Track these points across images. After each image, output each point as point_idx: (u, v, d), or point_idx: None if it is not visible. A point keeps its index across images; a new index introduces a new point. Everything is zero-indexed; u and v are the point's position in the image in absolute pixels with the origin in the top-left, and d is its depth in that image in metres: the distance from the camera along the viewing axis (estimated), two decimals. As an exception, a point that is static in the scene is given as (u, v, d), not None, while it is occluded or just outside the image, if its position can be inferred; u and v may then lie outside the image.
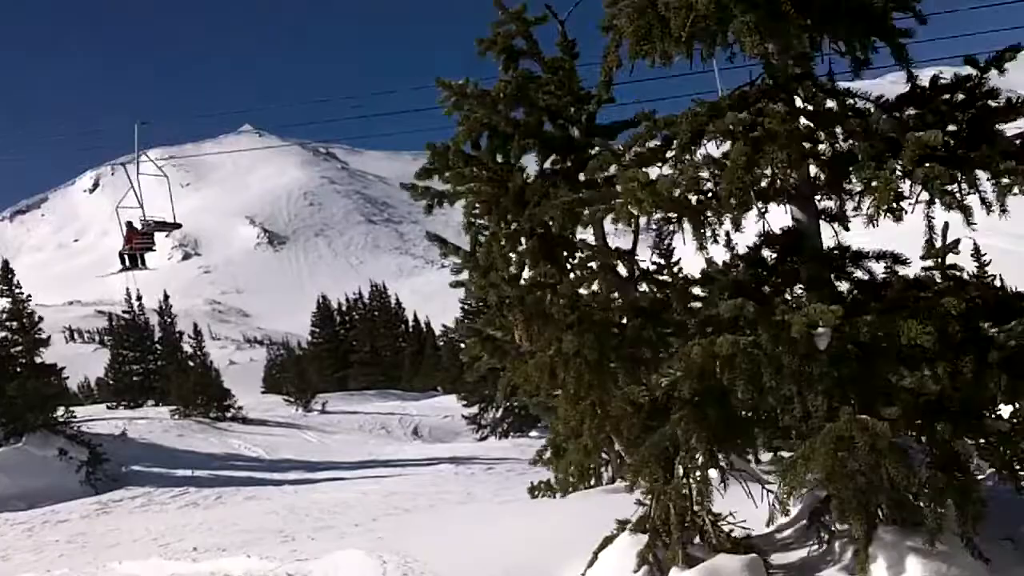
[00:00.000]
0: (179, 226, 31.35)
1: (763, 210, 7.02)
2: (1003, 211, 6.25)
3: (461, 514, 14.61)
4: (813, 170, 7.10)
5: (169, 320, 60.68)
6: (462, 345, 9.28)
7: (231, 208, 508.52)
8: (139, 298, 60.41)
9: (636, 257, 7.60)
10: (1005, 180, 5.99)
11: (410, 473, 24.92)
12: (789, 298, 6.89)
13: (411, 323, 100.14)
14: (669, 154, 6.70)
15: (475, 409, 41.69)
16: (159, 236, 31.32)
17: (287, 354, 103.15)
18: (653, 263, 7.63)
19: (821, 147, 7.01)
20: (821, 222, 7.22)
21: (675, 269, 9.85)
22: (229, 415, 41.69)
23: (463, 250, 7.66)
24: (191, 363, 48.86)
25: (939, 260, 8.82)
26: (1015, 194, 6.14)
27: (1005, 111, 6.56)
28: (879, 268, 7.25)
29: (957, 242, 8.68)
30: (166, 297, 63.06)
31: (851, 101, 6.91)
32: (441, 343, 78.63)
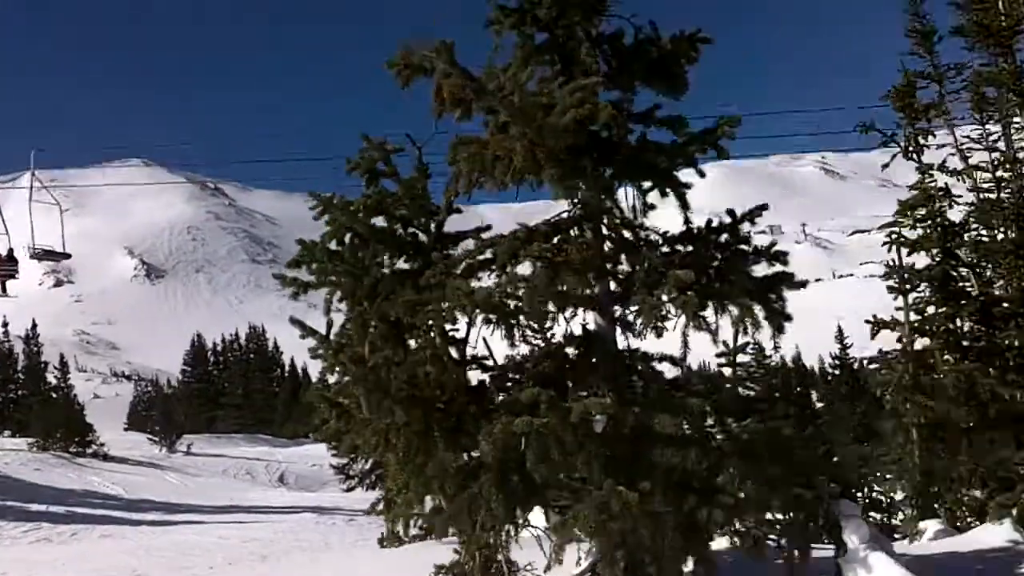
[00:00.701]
0: (68, 256, 31.43)
1: (571, 315, 8.72)
2: (745, 333, 8.09)
3: (312, 560, 15.85)
4: (613, 285, 8.85)
5: (35, 348, 59.65)
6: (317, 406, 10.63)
7: (110, 237, 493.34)
8: (4, 324, 59.24)
9: (468, 345, 9.19)
10: (736, 311, 7.81)
11: (272, 520, 25.46)
12: (584, 391, 8.56)
13: (287, 367, 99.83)
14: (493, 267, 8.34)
15: (344, 459, 42.34)
16: (30, 261, 30.99)
17: (155, 391, 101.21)
18: (482, 354, 9.19)
19: (621, 267, 8.79)
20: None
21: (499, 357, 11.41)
22: (90, 451, 41.36)
23: (319, 333, 9.13)
24: (54, 395, 48.29)
25: (731, 359, 10.70)
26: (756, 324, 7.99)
27: (755, 253, 8.45)
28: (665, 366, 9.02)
29: (746, 345, 10.57)
30: (34, 325, 61.97)
31: (644, 233, 8.72)
32: (315, 388, 78.00)
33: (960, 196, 20.28)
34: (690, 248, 8.59)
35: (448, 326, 8.60)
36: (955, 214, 20.14)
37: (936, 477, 14.87)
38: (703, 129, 8.49)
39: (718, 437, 8.31)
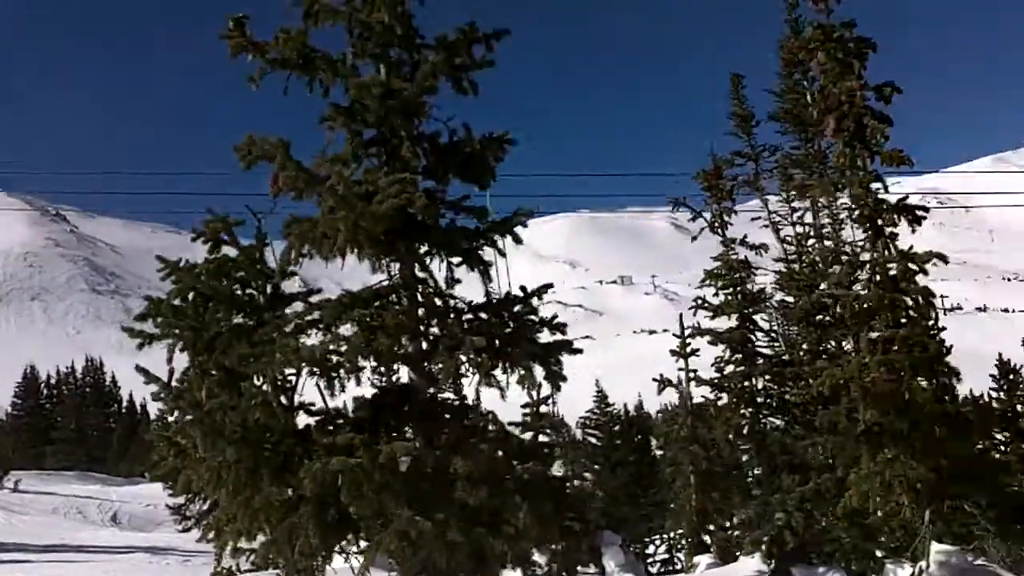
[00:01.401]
0: None
1: (392, 370, 10.16)
2: (532, 389, 9.72)
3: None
4: (424, 344, 10.32)
5: None
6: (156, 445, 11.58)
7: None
8: None
9: (296, 393, 10.48)
10: (520, 372, 9.44)
11: (103, 560, 25.34)
12: (395, 435, 9.97)
13: (126, 403, 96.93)
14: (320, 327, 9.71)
15: (180, 499, 42.11)
16: None
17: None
18: (308, 401, 10.50)
19: (432, 329, 10.29)
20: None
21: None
22: (-94, 487, 39.92)
23: (161, 380, 10.23)
24: None
25: (535, 408, 12.37)
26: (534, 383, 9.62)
27: (541, 323, 10.11)
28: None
29: (548, 397, 12.23)
30: None
31: (453, 301, 10.26)
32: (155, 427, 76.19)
33: (759, 268, 22.76)
34: (488, 316, 10.16)
35: (279, 376, 9.86)
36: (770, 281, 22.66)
37: (709, 516, 16.89)
38: (503, 218, 10.15)
39: (506, 477, 9.85)
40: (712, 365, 21.18)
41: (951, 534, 13.49)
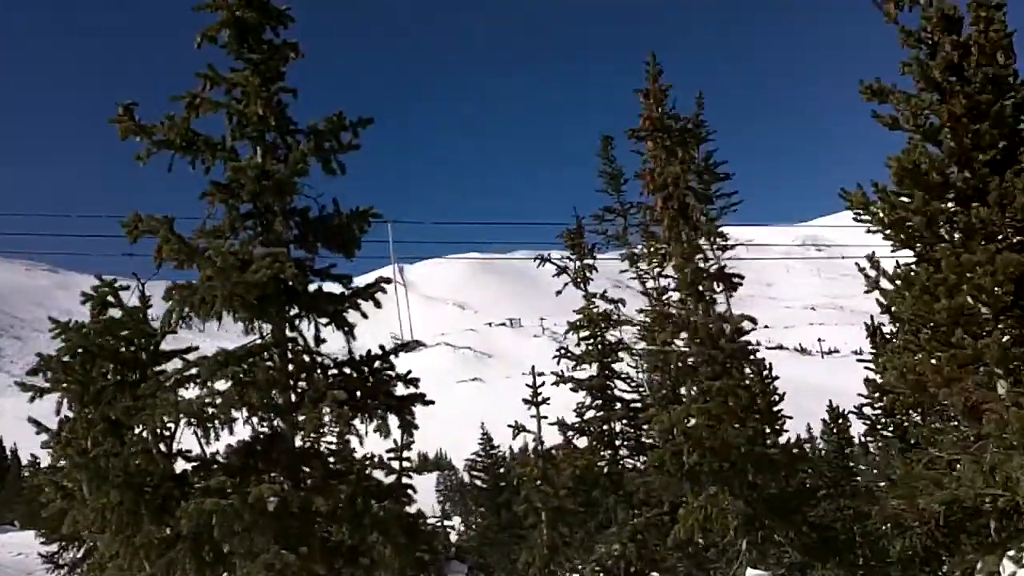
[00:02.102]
0: None
1: (262, 420, 11.34)
2: (384, 437, 11.07)
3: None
4: (293, 397, 11.55)
5: None
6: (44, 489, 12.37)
7: None
8: None
9: (175, 441, 11.59)
10: (379, 422, 10.79)
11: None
12: (265, 478, 11.14)
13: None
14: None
15: (54, 547, 41.45)
16: None
17: None
18: (186, 448, 11.62)
19: (301, 383, 11.53)
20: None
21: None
22: None
23: (51, 429, 11.20)
24: None
25: (399, 453, 13.67)
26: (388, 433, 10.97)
27: (398, 378, 11.47)
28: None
29: (410, 443, 13.51)
30: None
31: (319, 359, 11.54)
32: (27, 473, 74.16)
33: (625, 318, 24.53)
34: (350, 372, 11.48)
35: (160, 426, 10.98)
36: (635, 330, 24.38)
37: (559, 551, 18.41)
38: (366, 285, 11.50)
39: (365, 514, 11.13)
40: (574, 410, 22.81)
41: (768, 560, 15.21)
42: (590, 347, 23.41)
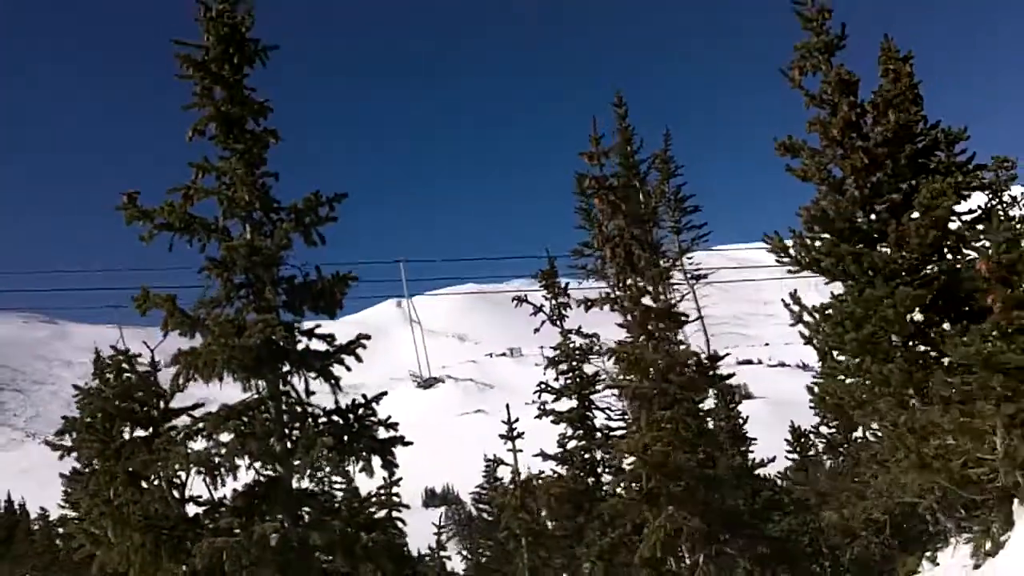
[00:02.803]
0: None
1: (263, 466, 12.89)
2: (371, 476, 12.63)
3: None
4: (289, 444, 13.10)
5: None
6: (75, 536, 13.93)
7: None
8: None
9: (187, 488, 13.14)
10: (360, 464, 12.34)
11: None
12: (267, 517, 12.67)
13: (3, 503, 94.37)
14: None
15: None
16: None
17: None
18: (198, 494, 13.17)
19: (295, 432, 13.10)
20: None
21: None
22: None
23: (80, 482, 12.78)
24: None
25: (387, 489, 15.11)
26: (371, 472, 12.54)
27: (379, 422, 13.04)
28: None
29: (397, 480, 14.95)
30: None
31: (310, 409, 13.12)
32: (36, 526, 74.97)
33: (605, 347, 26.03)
34: (338, 419, 13.05)
35: (173, 476, 12.53)
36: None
37: (539, 572, 19.83)
38: (348, 342, 13.10)
39: (356, 544, 12.66)
40: (556, 441, 24.30)
41: (722, 573, 16.64)
42: (569, 381, 24.88)
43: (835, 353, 13.78)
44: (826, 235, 13.16)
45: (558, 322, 25.67)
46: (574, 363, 24.99)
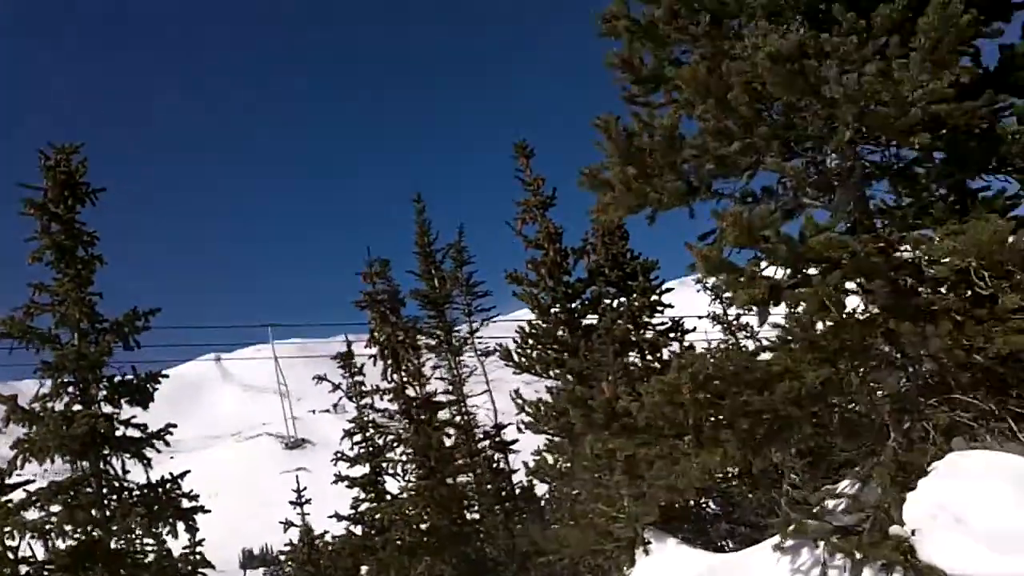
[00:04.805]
0: None
1: (87, 530, 15.86)
2: (176, 539, 15.83)
3: None
4: (108, 512, 16.11)
5: None
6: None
7: None
8: None
9: (19, 551, 15.94)
10: (170, 527, 15.57)
11: None
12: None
13: None
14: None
15: None
16: None
17: None
18: (29, 555, 15.96)
19: (113, 503, 16.14)
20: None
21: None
22: None
23: None
24: None
25: (192, 549, 18.15)
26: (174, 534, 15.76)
27: (183, 494, 16.28)
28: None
29: (201, 541, 17.98)
30: None
31: (127, 484, 16.22)
32: None
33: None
34: (149, 492, 16.20)
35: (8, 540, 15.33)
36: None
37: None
38: (157, 430, 16.31)
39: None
40: (351, 505, 27.70)
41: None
42: (362, 450, 28.38)
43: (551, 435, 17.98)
44: (536, 347, 17.43)
45: (354, 399, 29.19)
46: (367, 434, 28.55)
